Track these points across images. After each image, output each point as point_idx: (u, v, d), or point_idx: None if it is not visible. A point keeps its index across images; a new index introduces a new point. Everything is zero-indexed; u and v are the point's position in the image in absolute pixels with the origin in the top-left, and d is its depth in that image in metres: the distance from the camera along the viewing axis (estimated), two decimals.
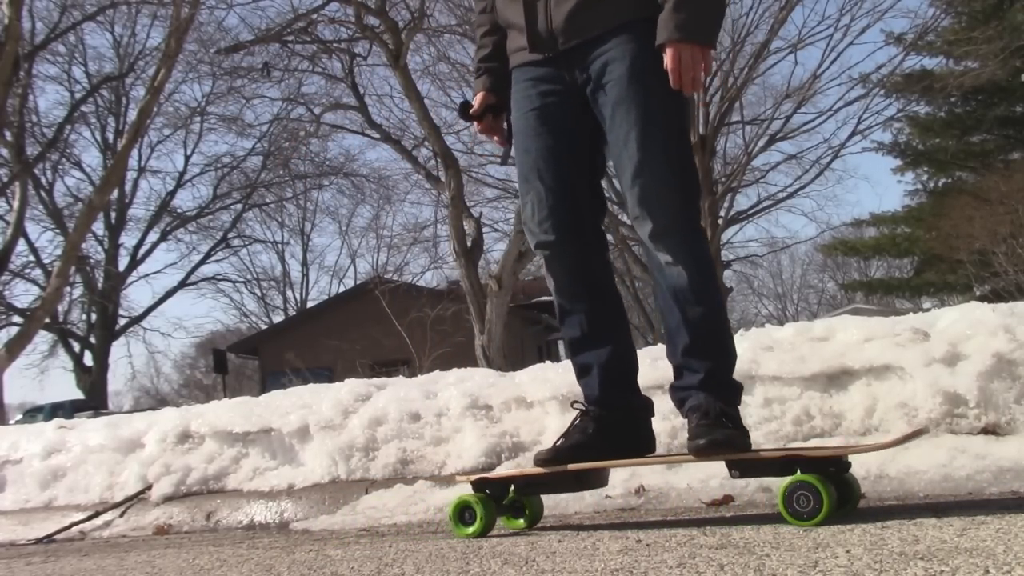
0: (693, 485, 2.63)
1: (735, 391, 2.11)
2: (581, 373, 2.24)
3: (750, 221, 22.14)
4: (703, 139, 17.22)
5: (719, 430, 1.96)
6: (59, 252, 17.57)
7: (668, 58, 1.98)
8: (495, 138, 2.38)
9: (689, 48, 1.98)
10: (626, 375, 2.23)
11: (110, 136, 25.40)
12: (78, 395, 24.44)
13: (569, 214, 2.16)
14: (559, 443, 2.17)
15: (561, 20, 2.09)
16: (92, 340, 25.50)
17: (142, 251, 26.95)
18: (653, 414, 2.26)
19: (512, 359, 11.48)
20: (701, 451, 1.94)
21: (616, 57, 2.06)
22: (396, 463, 3.29)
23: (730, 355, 2.11)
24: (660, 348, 3.30)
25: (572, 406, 2.25)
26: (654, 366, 3.03)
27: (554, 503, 2.64)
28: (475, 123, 2.36)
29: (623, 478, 2.72)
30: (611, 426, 2.16)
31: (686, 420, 2.07)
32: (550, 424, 3.16)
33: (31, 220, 21.83)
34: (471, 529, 2.15)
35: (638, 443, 2.20)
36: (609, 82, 2.06)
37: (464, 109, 2.35)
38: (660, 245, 2.05)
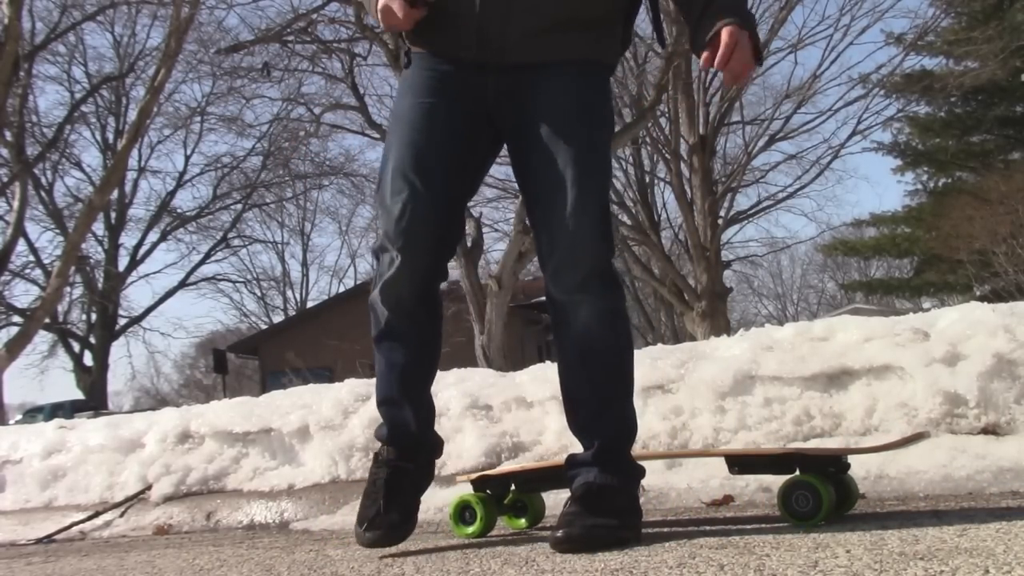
0: (693, 485, 2.63)
1: (634, 469, 1.89)
2: (391, 404, 1.97)
3: (750, 221, 22.09)
4: (703, 139, 17.22)
5: (587, 519, 1.71)
6: (59, 252, 17.58)
7: (727, 35, 1.74)
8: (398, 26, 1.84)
9: (746, 35, 1.77)
10: (431, 415, 2.04)
11: (110, 136, 25.41)
12: (78, 395, 24.43)
13: (439, 229, 1.86)
14: (370, 513, 1.89)
15: (520, 34, 1.82)
16: (92, 340, 25.49)
17: (142, 251, 26.97)
18: (439, 455, 2.07)
19: (512, 359, 11.47)
20: (553, 544, 1.70)
21: (561, 89, 1.84)
22: None
23: (632, 427, 1.91)
24: (660, 348, 3.32)
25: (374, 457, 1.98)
26: (654, 366, 3.03)
27: (555, 503, 2.64)
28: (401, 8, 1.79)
29: None
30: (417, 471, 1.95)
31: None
32: (550, 424, 3.16)
33: (31, 220, 21.85)
34: (471, 529, 2.15)
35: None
36: (549, 111, 1.83)
37: None
38: (581, 296, 1.82)
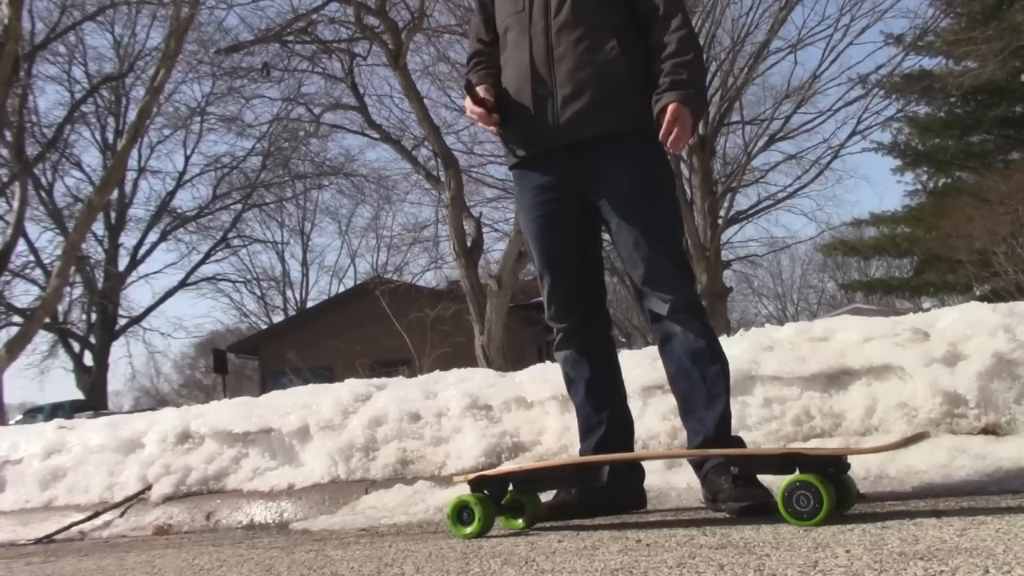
0: (693, 485, 2.62)
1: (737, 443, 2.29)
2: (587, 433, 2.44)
3: (750, 221, 22.05)
4: (703, 139, 17.21)
5: (756, 491, 2.12)
6: (59, 252, 17.56)
7: (668, 113, 2.17)
8: (484, 123, 2.42)
9: (687, 110, 2.18)
10: (623, 440, 2.44)
11: (110, 136, 25.36)
12: (78, 395, 24.39)
13: (579, 301, 2.42)
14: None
15: (567, 118, 2.27)
16: (92, 340, 25.47)
17: (142, 251, 26.91)
18: (643, 477, 2.47)
19: (512, 359, 11.45)
20: (743, 512, 2.09)
21: (617, 163, 2.28)
22: (396, 463, 3.29)
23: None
24: None
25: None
26: (653, 366, 3.03)
27: None
28: (478, 105, 2.37)
29: None
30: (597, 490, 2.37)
31: (706, 477, 2.26)
32: (550, 424, 3.16)
33: (31, 220, 21.80)
34: (469, 529, 2.15)
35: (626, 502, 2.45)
36: (615, 186, 2.28)
37: (470, 89, 2.39)
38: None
